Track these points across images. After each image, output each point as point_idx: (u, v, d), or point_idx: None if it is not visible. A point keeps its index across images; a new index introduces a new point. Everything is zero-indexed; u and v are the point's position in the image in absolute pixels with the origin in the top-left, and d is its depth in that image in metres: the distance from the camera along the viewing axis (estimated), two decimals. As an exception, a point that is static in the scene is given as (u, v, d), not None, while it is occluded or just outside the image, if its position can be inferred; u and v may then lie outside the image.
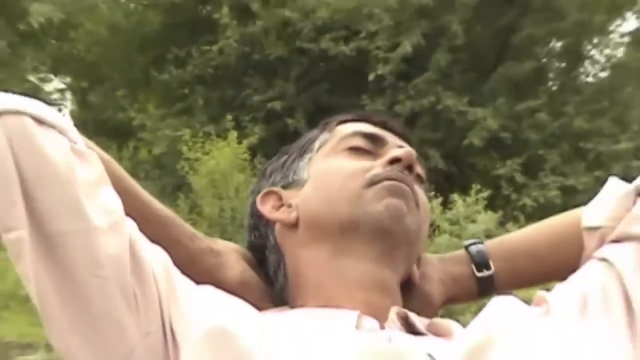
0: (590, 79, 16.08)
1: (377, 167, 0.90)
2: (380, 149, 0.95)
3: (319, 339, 0.77)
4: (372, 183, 0.88)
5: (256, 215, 0.98)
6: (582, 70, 15.80)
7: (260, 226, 0.99)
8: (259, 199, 0.97)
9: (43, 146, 0.74)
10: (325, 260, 0.89)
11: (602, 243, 0.87)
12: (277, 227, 0.95)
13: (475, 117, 12.67)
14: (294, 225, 0.92)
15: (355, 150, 0.94)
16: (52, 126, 0.77)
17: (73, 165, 0.76)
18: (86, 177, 0.77)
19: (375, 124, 0.99)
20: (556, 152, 13.17)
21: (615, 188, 0.90)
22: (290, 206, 0.94)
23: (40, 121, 0.76)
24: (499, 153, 13.08)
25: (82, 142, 0.81)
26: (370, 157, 0.93)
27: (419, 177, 0.95)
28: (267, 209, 0.96)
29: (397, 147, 0.93)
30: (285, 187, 0.97)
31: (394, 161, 0.90)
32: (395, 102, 12.99)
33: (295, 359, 0.75)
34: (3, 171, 0.72)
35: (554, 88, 15.94)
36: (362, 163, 0.91)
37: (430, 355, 0.74)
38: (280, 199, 0.96)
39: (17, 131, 0.73)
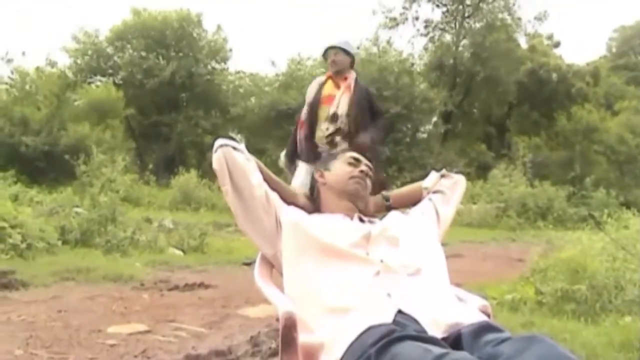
0: None
1: (356, 171, 2.41)
2: (357, 163, 2.44)
3: (334, 221, 2.23)
4: (352, 177, 2.40)
5: (313, 178, 2.48)
6: None
7: (314, 181, 2.49)
8: (316, 171, 2.48)
9: (235, 156, 2.25)
10: (334, 198, 2.38)
11: (428, 193, 2.45)
12: (319, 182, 2.44)
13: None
14: (324, 184, 2.41)
15: (349, 163, 2.44)
16: (237, 149, 2.24)
17: (245, 162, 2.25)
18: (249, 166, 2.23)
19: (360, 154, 2.51)
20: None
21: (433, 174, 2.49)
22: (324, 177, 2.42)
23: (234, 147, 2.23)
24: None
25: (247, 153, 2.25)
26: (353, 165, 2.43)
27: (370, 176, 2.45)
28: (317, 175, 2.46)
29: (364, 164, 2.44)
30: (325, 169, 2.46)
31: (361, 170, 2.41)
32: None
33: (324, 230, 2.17)
34: (223, 167, 2.22)
35: None
36: (350, 168, 2.42)
37: (368, 224, 2.21)
38: (322, 174, 2.45)
39: (227, 151, 2.23)
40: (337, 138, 5.13)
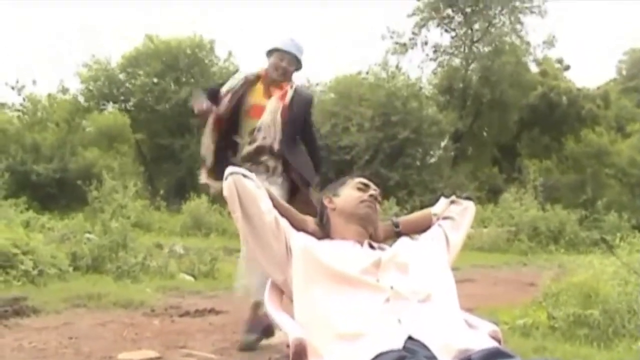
0: None
1: (365, 195, 2.42)
2: (366, 188, 2.46)
3: (344, 248, 2.24)
4: (362, 201, 2.41)
5: (322, 203, 2.48)
6: None
7: (322, 207, 2.48)
8: (324, 197, 2.48)
9: (245, 184, 2.27)
10: (344, 223, 2.39)
11: (437, 219, 2.45)
12: (328, 208, 2.45)
13: None
14: (334, 209, 2.42)
15: (358, 188, 2.45)
16: (247, 176, 2.28)
17: (256, 189, 2.27)
18: (259, 193, 2.24)
19: (368, 179, 2.52)
20: None
21: (443, 200, 2.50)
22: (333, 202, 2.43)
23: (244, 175, 2.26)
24: None
25: (257, 181, 2.27)
26: (362, 190, 2.45)
27: (379, 201, 2.47)
28: (326, 201, 2.46)
29: (372, 189, 2.46)
30: (334, 195, 2.47)
31: (370, 194, 2.43)
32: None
33: (334, 256, 2.18)
34: (233, 194, 2.24)
35: None
36: (359, 193, 2.44)
37: (378, 250, 2.21)
38: (331, 200, 2.45)
39: (237, 178, 2.26)
40: (263, 157, 4.58)
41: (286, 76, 4.65)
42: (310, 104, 4.89)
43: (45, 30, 47.81)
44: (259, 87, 4.67)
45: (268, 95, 4.63)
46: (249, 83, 4.66)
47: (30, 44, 43.93)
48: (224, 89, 4.67)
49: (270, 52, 4.68)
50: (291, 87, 4.65)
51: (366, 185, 2.47)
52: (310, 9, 49.19)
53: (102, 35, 46.05)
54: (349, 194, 2.43)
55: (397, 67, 26.19)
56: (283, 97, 4.59)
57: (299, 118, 4.65)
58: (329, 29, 47.06)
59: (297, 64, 4.68)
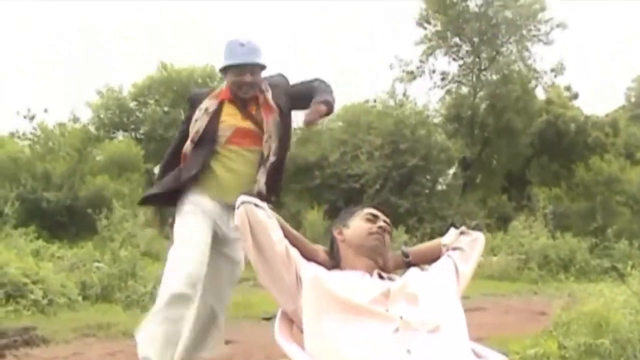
0: None
1: (374, 227, 2.43)
2: (375, 219, 2.47)
3: (354, 278, 2.25)
4: (371, 233, 2.42)
5: (332, 234, 2.50)
6: None
7: (333, 238, 2.50)
8: (334, 228, 2.50)
9: (256, 213, 2.31)
10: (353, 254, 2.41)
11: (447, 249, 2.46)
12: (337, 239, 2.47)
13: None
14: (343, 241, 2.43)
15: (368, 219, 2.46)
16: (258, 206, 2.31)
17: (267, 219, 2.30)
18: (270, 223, 2.27)
19: (374, 209, 2.53)
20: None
21: (452, 231, 2.50)
22: (342, 234, 2.44)
23: (255, 204, 2.29)
24: None
25: (269, 210, 2.30)
26: (371, 221, 2.46)
27: (389, 232, 2.48)
28: (336, 232, 2.48)
29: (382, 220, 2.46)
30: (343, 226, 2.48)
31: (379, 226, 2.43)
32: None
33: (344, 286, 2.18)
34: (245, 224, 2.29)
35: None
36: (368, 224, 2.46)
37: (387, 281, 2.22)
38: (341, 231, 2.46)
39: (249, 208, 2.30)
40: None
41: (255, 88, 3.67)
42: (284, 80, 3.89)
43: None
44: (229, 107, 3.70)
45: (247, 112, 3.69)
46: (215, 109, 3.67)
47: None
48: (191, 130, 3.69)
49: (224, 70, 3.72)
50: (266, 90, 3.73)
51: (375, 217, 2.48)
52: (320, 38, 49.49)
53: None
54: (358, 225, 2.45)
55: (404, 94, 26.29)
56: (266, 105, 3.69)
57: (287, 113, 3.78)
58: (337, 57, 47.31)
59: (261, 67, 3.70)
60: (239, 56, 3.61)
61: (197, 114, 3.69)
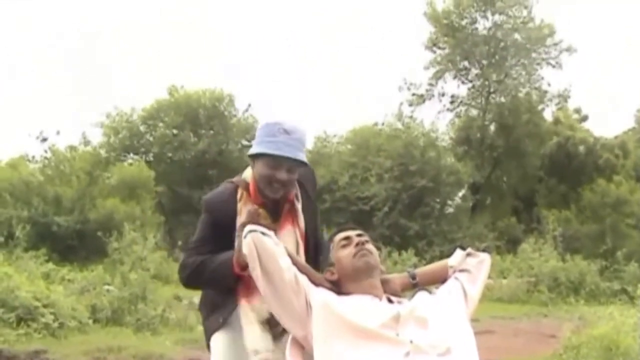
0: None
1: (353, 249, 2.43)
2: (349, 240, 2.48)
3: (363, 302, 2.28)
4: (354, 255, 2.42)
5: (328, 280, 2.48)
6: None
7: (331, 283, 2.47)
8: (325, 274, 2.50)
9: (264, 241, 2.36)
10: (353, 282, 2.40)
11: (454, 271, 2.48)
12: (333, 279, 2.47)
13: None
14: (339, 278, 2.44)
15: (342, 246, 2.48)
16: (266, 234, 2.37)
17: (275, 247, 2.35)
18: (278, 250, 2.33)
19: (341, 231, 2.56)
20: None
21: (459, 252, 2.52)
22: (334, 273, 2.46)
23: (262, 232, 2.35)
24: None
25: (276, 238, 2.36)
26: (348, 245, 2.46)
27: (366, 241, 2.48)
28: (328, 275, 2.48)
29: (355, 237, 2.48)
30: (330, 265, 2.50)
31: (356, 243, 2.45)
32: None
33: (354, 311, 2.22)
34: (252, 252, 2.34)
35: None
36: (347, 250, 2.45)
37: (396, 304, 2.25)
38: (332, 272, 2.47)
39: (256, 236, 2.35)
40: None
41: (287, 189, 2.85)
42: (314, 181, 3.18)
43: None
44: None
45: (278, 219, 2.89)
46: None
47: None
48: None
49: (255, 157, 2.86)
50: (297, 198, 2.97)
51: (348, 238, 2.49)
52: (327, 60, 49.71)
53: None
54: (340, 256, 2.46)
55: (411, 117, 26.38)
56: (292, 216, 2.92)
57: (313, 221, 3.04)
58: (345, 81, 47.51)
59: (300, 166, 2.87)
60: (279, 145, 2.78)
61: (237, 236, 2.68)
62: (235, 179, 2.99)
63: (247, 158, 2.95)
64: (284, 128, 2.81)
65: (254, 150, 2.83)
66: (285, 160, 2.76)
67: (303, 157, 2.82)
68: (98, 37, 43.88)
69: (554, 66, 26.84)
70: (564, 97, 27.62)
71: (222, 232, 2.77)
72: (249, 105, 28.65)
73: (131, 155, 27.80)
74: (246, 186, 2.90)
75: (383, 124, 26.24)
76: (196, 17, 47.20)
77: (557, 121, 28.36)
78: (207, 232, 2.79)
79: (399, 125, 26.14)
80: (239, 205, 2.84)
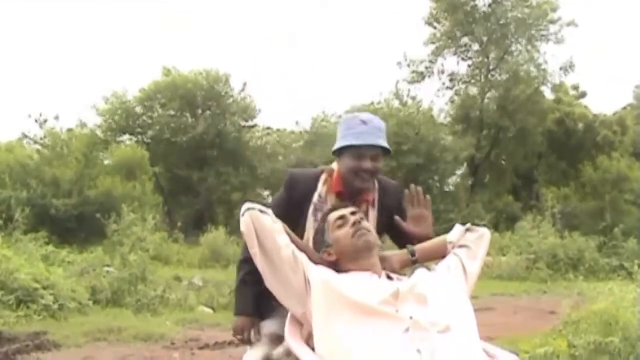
0: None
1: (350, 229, 2.42)
2: (344, 219, 2.47)
3: (363, 279, 2.28)
4: (353, 235, 2.41)
5: (326, 261, 2.45)
6: None
7: (329, 263, 2.45)
8: (322, 254, 2.48)
9: (262, 219, 2.34)
10: (353, 261, 2.39)
11: (453, 247, 2.46)
12: (331, 260, 2.44)
13: None
14: (337, 259, 2.43)
15: (339, 226, 2.46)
16: (263, 212, 2.35)
17: (273, 225, 2.33)
18: (276, 228, 2.31)
19: (335, 209, 2.55)
20: None
21: (458, 228, 2.49)
22: (332, 254, 2.44)
23: (261, 210, 2.34)
24: None
25: (274, 216, 2.36)
26: (344, 225, 2.45)
27: (362, 219, 2.48)
28: (326, 256, 2.46)
29: (350, 214, 2.47)
30: (327, 247, 2.48)
31: (353, 223, 2.44)
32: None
33: (353, 288, 2.20)
34: (250, 230, 2.32)
35: None
36: (344, 230, 2.44)
37: (396, 281, 2.24)
38: (329, 252, 2.45)
39: (254, 214, 2.33)
40: None
41: (375, 177, 2.89)
42: (399, 193, 2.97)
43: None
44: (332, 198, 2.88)
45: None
46: (320, 198, 2.90)
47: (51, 75, 44.45)
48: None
49: (340, 151, 2.87)
50: (373, 202, 2.92)
51: (343, 217, 2.47)
52: (327, 38, 49.54)
53: (121, 69, 46.51)
54: (338, 237, 2.43)
55: (408, 95, 26.29)
56: (368, 202, 2.89)
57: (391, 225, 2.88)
58: (344, 58, 47.37)
59: (384, 154, 2.88)
60: (360, 136, 2.82)
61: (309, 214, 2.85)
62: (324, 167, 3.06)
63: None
64: (361, 119, 2.86)
65: (337, 145, 2.87)
66: (367, 149, 2.78)
67: (384, 143, 2.84)
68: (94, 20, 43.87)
69: (555, 42, 26.64)
70: (565, 69, 27.23)
71: (294, 210, 2.81)
72: (245, 84, 28.53)
73: (128, 136, 27.74)
74: (331, 172, 2.93)
75: (379, 103, 26.16)
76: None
77: (556, 99, 28.27)
78: (278, 211, 2.61)
79: (397, 104, 26.07)
80: (320, 186, 2.89)
